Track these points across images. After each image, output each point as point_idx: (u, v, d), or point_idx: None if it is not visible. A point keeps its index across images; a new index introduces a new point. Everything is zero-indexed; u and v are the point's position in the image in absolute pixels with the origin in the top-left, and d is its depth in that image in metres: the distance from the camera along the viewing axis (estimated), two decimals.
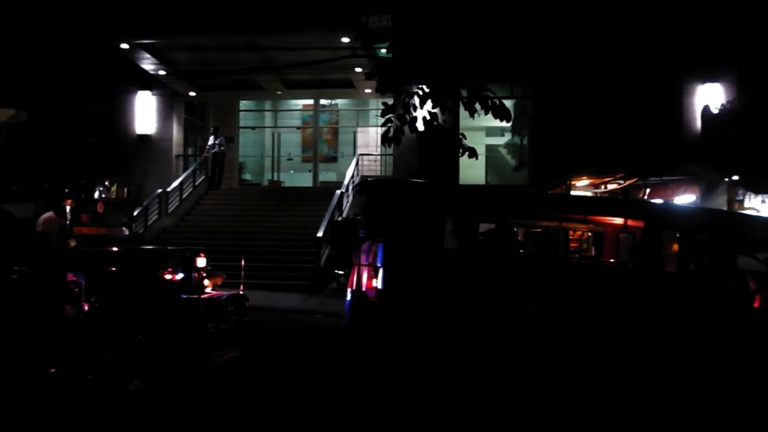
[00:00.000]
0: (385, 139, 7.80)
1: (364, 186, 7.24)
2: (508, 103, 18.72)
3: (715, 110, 13.98)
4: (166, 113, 20.67)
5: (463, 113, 8.01)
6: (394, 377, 6.00)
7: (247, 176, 24.94)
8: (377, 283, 6.26)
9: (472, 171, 17.83)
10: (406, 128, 7.78)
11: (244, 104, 24.09)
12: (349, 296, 6.69)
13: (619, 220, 6.88)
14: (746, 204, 12.34)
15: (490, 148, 20.45)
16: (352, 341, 6.89)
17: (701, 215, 7.23)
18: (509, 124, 19.43)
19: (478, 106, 7.36)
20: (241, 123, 23.93)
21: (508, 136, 20.88)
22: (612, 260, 7.28)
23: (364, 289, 6.53)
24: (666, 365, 5.93)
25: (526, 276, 6.40)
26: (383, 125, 7.74)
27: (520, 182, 18.31)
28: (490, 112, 7.25)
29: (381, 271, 6.21)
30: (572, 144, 16.57)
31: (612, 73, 16.93)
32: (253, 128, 24.99)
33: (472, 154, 7.60)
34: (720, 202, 12.61)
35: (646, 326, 6.00)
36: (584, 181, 14.19)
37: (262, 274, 14.69)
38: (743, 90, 15.64)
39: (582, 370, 5.99)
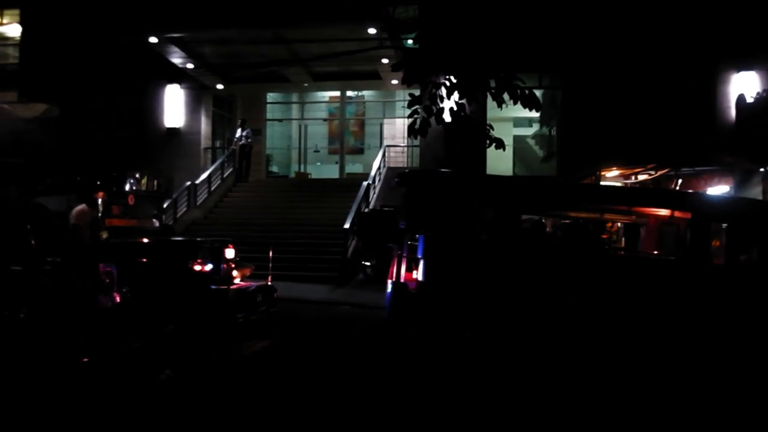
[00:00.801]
0: (412, 130, 7.77)
1: (405, 177, 7.04)
2: (537, 93, 18.69)
3: (750, 99, 13.66)
4: (194, 106, 20.87)
5: (491, 104, 7.92)
6: (430, 371, 6.02)
7: (275, 168, 25.09)
8: (418, 275, 6.25)
9: (499, 162, 17.67)
10: (432, 120, 7.74)
11: (271, 96, 24.20)
12: (389, 288, 6.67)
13: (664, 212, 6.79)
14: None
15: (517, 139, 20.29)
16: (390, 335, 6.93)
17: (748, 206, 7.10)
18: (537, 115, 19.24)
19: (506, 96, 7.29)
20: (268, 115, 24.05)
21: (536, 127, 20.68)
22: (655, 252, 7.18)
23: (403, 280, 6.53)
24: (711, 359, 5.85)
25: (565, 268, 6.37)
26: (410, 116, 7.71)
27: (548, 173, 18.12)
28: (518, 102, 7.17)
29: (422, 262, 6.19)
30: (601, 134, 16.31)
31: (643, 62, 16.60)
32: (280, 120, 25.11)
33: (500, 145, 7.53)
34: (755, 193, 12.33)
35: (692, 318, 5.94)
36: (614, 172, 13.99)
37: (289, 266, 14.78)
38: None
39: (623, 363, 5.95)
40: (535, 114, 19.32)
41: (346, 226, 15.95)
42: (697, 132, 15.79)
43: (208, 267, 9.71)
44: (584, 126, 17.01)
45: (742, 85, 16.18)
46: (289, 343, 9.38)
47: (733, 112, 15.38)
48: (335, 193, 19.32)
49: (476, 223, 6.43)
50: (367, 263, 15.09)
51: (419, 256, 6.27)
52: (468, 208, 6.43)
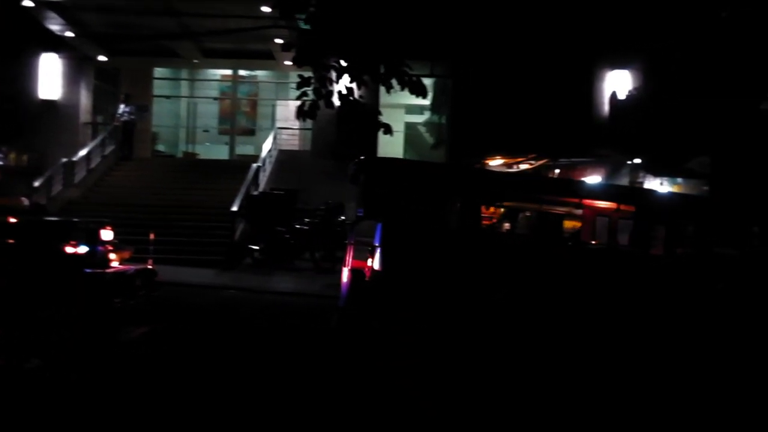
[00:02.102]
0: (301, 112, 7.66)
1: (363, 164, 6.89)
2: (428, 81, 19.06)
3: (622, 96, 14.60)
4: (73, 78, 19.58)
5: (384, 90, 7.97)
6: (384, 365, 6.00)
7: (161, 147, 24.09)
8: (374, 263, 6.16)
9: (390, 148, 17.92)
10: (322, 103, 7.68)
11: (159, 72, 23.17)
12: (346, 276, 6.57)
13: (602, 204, 7.02)
14: (646, 185, 13.03)
15: (409, 126, 20.64)
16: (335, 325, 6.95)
17: (686, 201, 7.53)
18: (429, 103, 19.65)
19: (394, 81, 7.35)
20: (156, 91, 23.04)
21: (427, 114, 21.10)
22: (593, 242, 7.47)
23: (356, 268, 6.47)
24: (651, 342, 6.19)
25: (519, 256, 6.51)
26: (298, 98, 7.62)
27: (437, 160, 18.56)
28: (406, 88, 7.26)
29: (378, 251, 6.10)
30: (489, 124, 16.90)
31: (529, 57, 17.31)
32: (168, 97, 24.11)
33: (388, 130, 7.59)
34: (623, 183, 13.25)
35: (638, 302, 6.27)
36: (498, 161, 14.56)
37: (174, 249, 14.29)
38: (649, 79, 16.38)
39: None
40: (426, 102, 19.75)
41: (234, 208, 15.61)
42: (575, 125, 16.70)
43: (83, 249, 9.25)
44: (473, 115, 17.55)
45: (616, 82, 17.27)
46: (170, 328, 9.08)
47: (607, 108, 16.39)
48: (224, 174, 18.83)
49: (435, 212, 6.42)
50: (255, 247, 14.87)
51: (376, 244, 6.18)
52: (426, 197, 6.41)
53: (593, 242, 7.22)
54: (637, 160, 12.85)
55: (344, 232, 15.08)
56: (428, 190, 6.52)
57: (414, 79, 7.24)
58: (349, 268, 6.53)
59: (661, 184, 12.76)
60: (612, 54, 17.26)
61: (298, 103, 7.63)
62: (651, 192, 9.39)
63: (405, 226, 6.33)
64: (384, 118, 8.15)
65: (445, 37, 16.76)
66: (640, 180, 13.15)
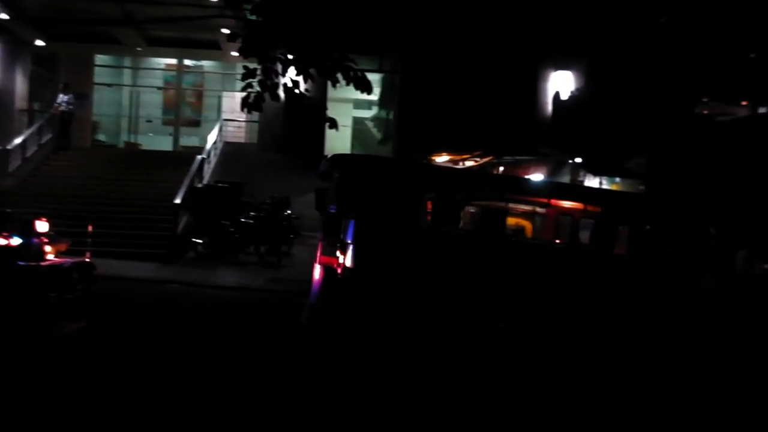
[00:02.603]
0: (245, 104, 7.60)
1: (337, 161, 6.93)
2: (376, 77, 19.11)
3: (564, 97, 14.98)
4: (8, 63, 18.80)
5: (331, 84, 7.95)
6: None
7: (102, 137, 23.39)
8: (346, 260, 6.16)
9: (338, 142, 17.88)
10: (268, 95, 7.62)
11: (100, 59, 22.47)
12: (318, 273, 6.52)
13: (567, 204, 7.19)
14: (586, 184, 13.41)
15: (357, 121, 20.63)
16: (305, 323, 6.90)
17: (647, 201, 7.71)
18: (377, 98, 19.71)
19: (340, 76, 7.36)
20: (97, 79, 22.34)
21: (375, 110, 21.14)
22: (557, 241, 7.60)
23: (328, 265, 6.44)
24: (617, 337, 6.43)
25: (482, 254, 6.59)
26: (243, 90, 7.55)
27: (385, 155, 18.64)
28: (351, 83, 7.28)
29: (351, 248, 6.11)
30: (436, 120, 17.07)
31: (476, 56, 17.55)
32: (109, 85, 23.42)
33: (333, 125, 7.60)
34: (564, 181, 13.61)
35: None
36: (444, 157, 14.73)
37: (114, 242, 13.92)
38: (590, 80, 16.86)
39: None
40: (374, 97, 19.80)
41: (177, 201, 15.31)
42: (519, 124, 17.06)
43: (16, 241, 8.94)
44: (420, 112, 17.70)
45: (559, 83, 17.70)
46: (108, 322, 8.86)
47: (550, 108, 16.78)
48: (167, 166, 18.43)
49: (408, 210, 6.42)
50: (199, 240, 14.63)
51: (348, 241, 6.17)
52: (401, 195, 6.41)
53: (557, 241, 7.44)
54: (578, 160, 13.22)
55: (290, 226, 15.00)
56: (402, 187, 6.57)
57: (359, 74, 7.26)
58: (321, 264, 6.51)
59: (600, 183, 13.15)
60: (556, 55, 17.69)
61: (244, 94, 7.56)
62: (617, 193, 9.66)
63: (378, 224, 6.36)
64: (331, 113, 8.16)
65: (393, 33, 16.83)
66: (580, 179, 13.53)
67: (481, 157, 14.35)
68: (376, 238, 6.32)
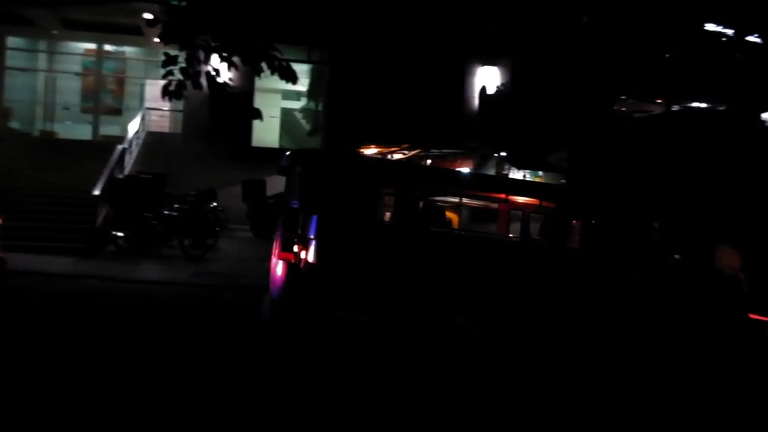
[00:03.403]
0: (166, 92, 7.41)
1: (299, 156, 6.91)
2: (305, 68, 18.91)
3: (490, 91, 15.26)
4: None
5: (255, 73, 7.81)
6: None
7: (15, 124, 22.14)
8: (309, 255, 6.14)
9: (266, 133, 17.65)
10: (190, 84, 7.42)
11: (13, 41, 21.26)
12: (280, 268, 6.44)
13: (522, 199, 7.40)
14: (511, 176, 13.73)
15: (285, 112, 20.34)
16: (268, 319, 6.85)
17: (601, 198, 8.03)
18: (305, 89, 19.52)
19: (265, 65, 7.25)
20: (9, 63, 21.13)
21: (304, 101, 20.92)
22: (510, 235, 7.78)
23: (288, 260, 6.38)
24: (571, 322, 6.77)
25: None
26: (164, 77, 7.32)
27: (313, 147, 18.49)
28: (275, 73, 7.18)
29: (314, 243, 6.10)
30: (365, 113, 17.07)
31: (405, 48, 17.63)
32: (23, 70, 22.20)
33: (257, 115, 7.49)
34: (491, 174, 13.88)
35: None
36: (373, 150, 14.75)
37: (28, 235, 13.28)
38: (515, 75, 17.23)
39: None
40: (303, 88, 19.61)
41: (97, 192, 14.71)
42: (446, 117, 17.27)
43: None
44: (349, 103, 17.64)
45: (486, 78, 18.01)
46: (19, 323, 8.42)
47: (477, 102, 17.05)
48: (86, 155, 17.64)
49: (371, 205, 6.50)
50: (120, 233, 14.11)
51: (311, 237, 6.14)
52: (363, 191, 6.49)
53: (510, 235, 7.68)
54: (503, 153, 13.52)
55: (216, 218, 14.69)
56: (364, 183, 6.63)
57: (284, 64, 7.17)
58: (284, 260, 6.49)
59: (524, 176, 13.49)
60: (483, 50, 17.95)
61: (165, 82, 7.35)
62: (571, 188, 9.98)
63: (340, 219, 6.39)
64: (260, 103, 8.05)
65: (322, 24, 16.70)
66: (505, 172, 13.84)
67: (410, 149, 14.46)
68: (338, 234, 6.36)
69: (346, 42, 17.60)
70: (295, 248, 6.43)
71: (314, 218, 6.28)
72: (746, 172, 12.30)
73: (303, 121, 21.03)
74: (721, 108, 16.03)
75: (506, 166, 13.69)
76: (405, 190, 6.69)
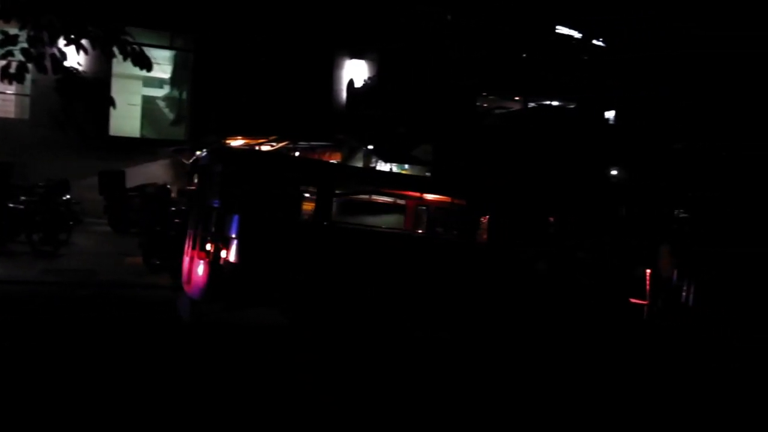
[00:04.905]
0: (6, 74, 6.80)
1: (221, 155, 6.82)
2: (167, 54, 18.11)
3: (358, 85, 15.44)
4: None
5: (120, 60, 7.36)
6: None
7: None
8: (230, 255, 6.15)
9: (125, 122, 16.75)
10: (33, 66, 6.87)
11: None
12: (201, 268, 6.35)
13: (437, 197, 7.78)
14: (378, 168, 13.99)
15: (147, 99, 19.38)
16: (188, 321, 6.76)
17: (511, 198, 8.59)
18: (168, 76, 18.74)
19: (117, 50, 6.85)
20: None
21: (167, 89, 20.05)
22: (418, 231, 8.13)
23: (210, 261, 6.32)
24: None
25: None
26: (3, 57, 6.73)
27: (177, 137, 17.81)
28: (128, 59, 6.81)
29: (236, 243, 6.13)
30: (231, 103, 16.66)
31: (272, 38, 17.38)
32: None
33: (110, 103, 7.09)
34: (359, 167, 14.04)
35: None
36: (240, 141, 14.46)
37: None
38: (383, 69, 17.54)
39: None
40: (166, 75, 18.80)
41: None
42: (315, 110, 17.24)
43: None
44: (215, 93, 17.13)
45: (354, 71, 18.17)
46: None
47: (345, 95, 17.16)
48: None
49: (292, 204, 6.55)
50: None
51: (233, 236, 6.14)
52: (284, 190, 6.52)
53: (426, 231, 8.14)
54: (370, 146, 13.74)
55: (69, 212, 13.75)
56: (285, 182, 6.65)
57: (137, 49, 6.82)
58: (203, 259, 6.44)
59: (391, 169, 13.79)
60: (351, 44, 18.09)
61: (4, 63, 6.77)
62: (482, 187, 10.46)
63: (262, 218, 6.42)
64: (118, 90, 7.64)
65: (185, 9, 16.07)
66: (372, 164, 14.07)
67: (277, 141, 14.30)
68: (260, 233, 6.42)
69: (212, 29, 17.06)
70: (209, 247, 6.44)
71: (236, 217, 6.29)
72: (590, 165, 13.35)
73: (166, 110, 20.14)
74: (572, 106, 17.28)
75: (373, 159, 13.93)
76: (327, 189, 6.82)
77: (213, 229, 6.51)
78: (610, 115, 17.08)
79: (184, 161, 16.94)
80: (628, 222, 11.65)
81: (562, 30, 17.81)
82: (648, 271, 9.19)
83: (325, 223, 6.79)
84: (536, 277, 7.81)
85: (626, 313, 8.56)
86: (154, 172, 16.89)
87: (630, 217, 11.93)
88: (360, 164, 13.94)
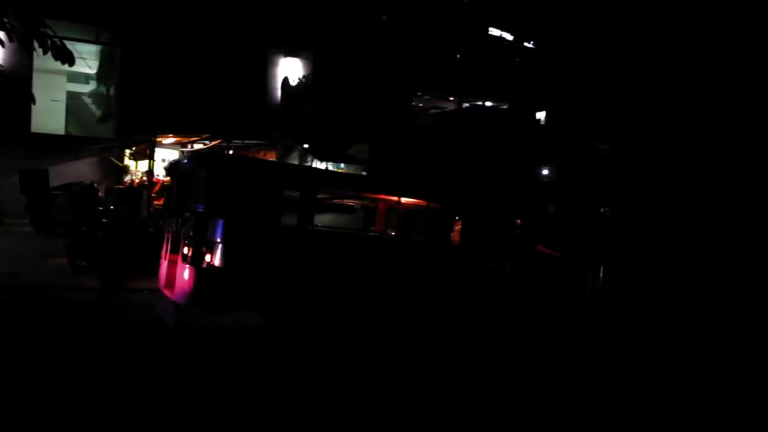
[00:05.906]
0: None
1: (204, 160, 6.89)
2: (93, 48, 17.48)
3: (293, 83, 15.30)
4: None
5: (43, 55, 7.03)
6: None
7: None
8: (214, 259, 6.23)
9: (48, 118, 16.07)
10: None
11: None
12: (186, 273, 6.37)
13: (413, 201, 8.19)
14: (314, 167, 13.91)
15: (72, 95, 18.67)
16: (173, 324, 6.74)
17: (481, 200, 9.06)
18: (95, 72, 18.11)
19: (36, 44, 6.54)
20: None
21: (93, 85, 19.35)
22: (391, 232, 8.49)
23: (192, 265, 6.36)
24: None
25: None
26: None
27: (104, 135, 17.22)
28: (48, 53, 6.51)
29: (220, 247, 6.22)
30: (161, 100, 16.23)
31: (205, 37, 17.03)
32: None
33: (30, 99, 6.78)
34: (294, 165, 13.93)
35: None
36: (171, 139, 14.10)
37: None
38: (318, 68, 17.47)
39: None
40: (92, 70, 18.14)
41: None
42: (249, 108, 17.00)
43: None
44: (144, 89, 16.65)
45: (288, 69, 18.02)
46: None
47: (280, 93, 16.97)
48: None
49: (274, 209, 6.61)
50: None
51: (217, 240, 6.21)
52: (266, 194, 6.60)
53: (401, 233, 8.45)
54: (306, 145, 13.64)
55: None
56: (268, 186, 6.76)
57: (58, 43, 6.53)
58: (193, 265, 6.45)
59: (326, 168, 13.74)
60: (285, 42, 17.93)
61: None
62: (454, 192, 10.77)
63: (246, 222, 6.51)
64: (41, 85, 7.31)
65: (111, 2, 15.54)
66: (308, 163, 13.97)
67: (210, 140, 14.01)
68: (245, 237, 6.53)
69: (140, 23, 16.57)
70: (192, 251, 6.46)
71: (220, 222, 6.33)
72: (521, 163, 13.68)
73: (93, 107, 19.45)
74: (504, 106, 17.65)
75: (309, 158, 13.83)
76: (310, 194, 6.96)
77: (197, 234, 6.53)
78: (541, 116, 17.54)
79: (112, 159, 16.42)
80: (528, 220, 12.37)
81: (494, 32, 18.16)
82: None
83: (308, 227, 6.94)
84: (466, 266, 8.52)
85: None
86: (81, 170, 16.30)
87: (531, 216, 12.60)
88: (296, 162, 13.83)
